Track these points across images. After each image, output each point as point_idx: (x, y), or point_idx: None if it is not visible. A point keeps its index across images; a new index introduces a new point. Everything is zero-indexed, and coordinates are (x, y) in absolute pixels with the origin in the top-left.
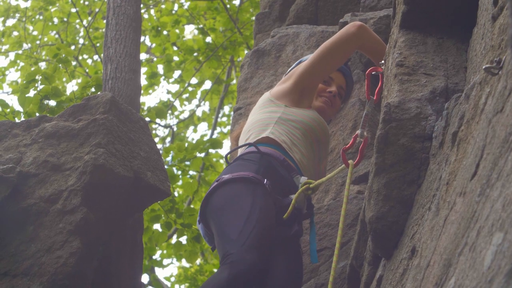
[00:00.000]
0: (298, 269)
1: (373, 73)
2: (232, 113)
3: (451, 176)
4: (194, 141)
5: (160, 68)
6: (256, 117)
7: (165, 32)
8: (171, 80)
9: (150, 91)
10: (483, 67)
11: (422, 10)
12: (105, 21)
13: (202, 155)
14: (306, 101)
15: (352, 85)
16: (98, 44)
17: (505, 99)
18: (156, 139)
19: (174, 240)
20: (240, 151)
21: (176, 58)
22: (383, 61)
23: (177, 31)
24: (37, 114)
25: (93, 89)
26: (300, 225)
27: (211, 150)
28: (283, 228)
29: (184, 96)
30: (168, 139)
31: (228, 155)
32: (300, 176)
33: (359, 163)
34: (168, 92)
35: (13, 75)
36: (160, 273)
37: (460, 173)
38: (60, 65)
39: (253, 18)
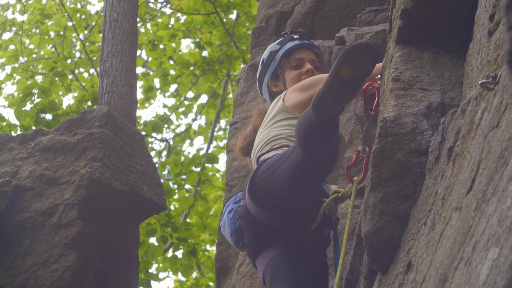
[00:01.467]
0: (324, 280)
1: (369, 88)
2: (228, 127)
3: (447, 191)
4: (190, 155)
5: (157, 82)
6: (274, 132)
7: (161, 46)
8: (167, 94)
9: (146, 104)
10: (479, 82)
11: (418, 25)
12: (101, 34)
13: (198, 169)
14: None
15: (321, 52)
16: (94, 58)
17: (500, 115)
18: (153, 153)
19: (170, 254)
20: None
21: (172, 72)
22: (379, 76)
23: (173, 45)
24: (34, 128)
25: (89, 103)
26: (328, 233)
27: (207, 165)
28: (313, 232)
29: (180, 110)
30: (164, 153)
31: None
32: (329, 184)
33: (364, 179)
34: (164, 106)
35: (10, 88)
36: (156, 286)
37: (456, 188)
38: (57, 78)
39: (250, 32)
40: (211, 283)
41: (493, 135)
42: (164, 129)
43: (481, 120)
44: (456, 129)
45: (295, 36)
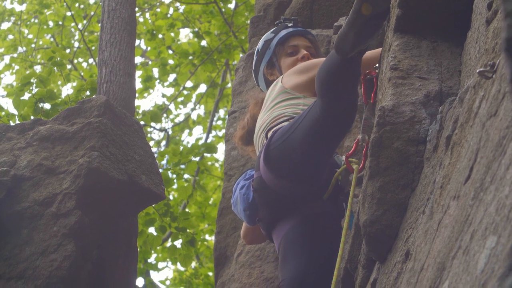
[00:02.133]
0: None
1: (367, 77)
2: (227, 116)
3: (445, 179)
4: (189, 145)
5: (155, 72)
6: (277, 112)
7: (160, 36)
8: (166, 84)
9: (145, 94)
10: (477, 70)
11: (417, 13)
12: (100, 24)
13: (197, 159)
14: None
15: (315, 39)
16: (93, 48)
17: (498, 103)
18: (151, 143)
19: (169, 243)
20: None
21: (171, 62)
22: (377, 65)
23: (172, 34)
24: (32, 117)
25: (88, 93)
26: (342, 204)
27: (206, 154)
28: (327, 204)
29: (179, 99)
30: (163, 142)
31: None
32: (340, 155)
33: (364, 167)
34: (163, 95)
35: (8, 78)
36: (155, 276)
37: (454, 176)
38: (55, 68)
39: (248, 21)
40: (210, 273)
41: (491, 124)
42: (163, 118)
43: (479, 109)
44: (454, 117)
45: (289, 24)
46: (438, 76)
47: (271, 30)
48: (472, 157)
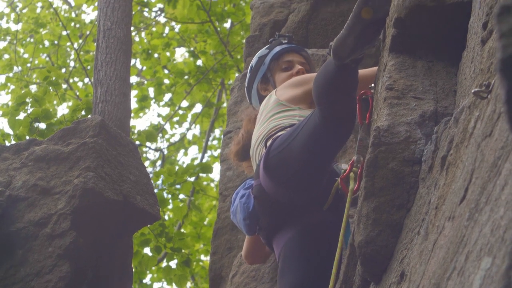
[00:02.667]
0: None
1: (363, 97)
2: (222, 136)
3: (440, 200)
4: (184, 165)
5: (151, 91)
6: (273, 123)
7: (155, 55)
8: (161, 103)
9: (141, 114)
10: (472, 91)
11: (412, 33)
12: (95, 44)
13: (192, 179)
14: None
15: (308, 55)
16: (88, 67)
17: (494, 123)
18: (147, 163)
19: (164, 264)
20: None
21: (166, 81)
22: (372, 85)
23: (167, 54)
24: (27, 137)
25: (83, 112)
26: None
27: (201, 174)
28: (327, 212)
29: (175, 119)
30: (159, 162)
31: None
32: (339, 163)
33: (359, 189)
34: (159, 115)
35: (4, 98)
36: None
37: (449, 197)
38: (51, 87)
39: (244, 41)
40: None
41: (486, 144)
42: (158, 138)
43: (474, 129)
44: (450, 138)
45: (284, 41)
46: (434, 96)
47: (266, 47)
48: (467, 177)
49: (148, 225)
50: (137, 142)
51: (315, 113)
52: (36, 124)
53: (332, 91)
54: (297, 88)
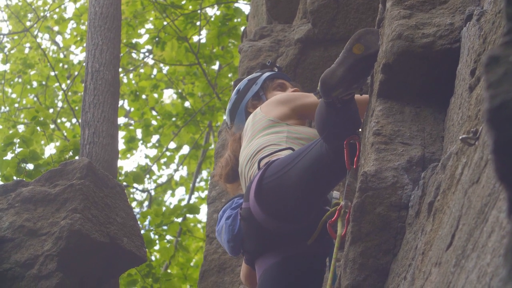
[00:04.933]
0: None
1: (350, 141)
2: (209, 178)
3: (426, 246)
4: (171, 206)
5: (139, 133)
6: (262, 139)
7: (143, 96)
8: (149, 145)
9: (128, 155)
10: (460, 137)
11: (400, 79)
12: (83, 85)
13: (180, 220)
14: (303, 120)
15: (300, 87)
16: (76, 108)
17: (481, 170)
18: (134, 203)
19: None
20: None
21: (154, 123)
22: (360, 130)
23: (155, 95)
24: (15, 178)
25: (71, 153)
26: (328, 241)
27: (188, 215)
28: (313, 244)
29: (162, 160)
30: (146, 203)
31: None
32: (332, 191)
33: (346, 234)
34: (146, 156)
35: None
36: None
37: (436, 243)
38: (38, 128)
39: (232, 83)
40: None
41: (473, 191)
42: (145, 179)
43: (461, 175)
44: (437, 184)
45: (275, 69)
46: (421, 141)
47: (257, 71)
48: (454, 224)
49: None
50: (125, 183)
51: (320, 144)
52: (24, 165)
53: (327, 127)
54: (284, 105)
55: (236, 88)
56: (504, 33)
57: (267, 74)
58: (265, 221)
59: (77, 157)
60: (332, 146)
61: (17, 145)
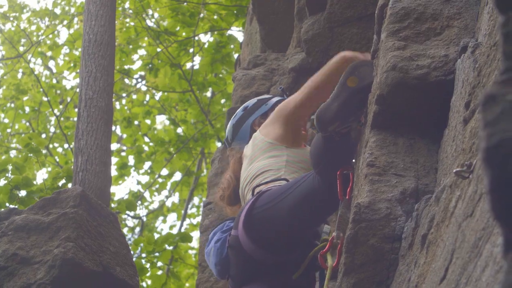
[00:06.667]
0: None
1: (344, 172)
2: (201, 205)
3: (420, 278)
4: (163, 232)
5: (131, 159)
6: (262, 163)
7: (136, 123)
8: (141, 171)
9: (120, 181)
10: (454, 170)
11: (394, 110)
12: (76, 110)
13: (171, 248)
14: (300, 140)
15: None
16: (69, 133)
17: (475, 204)
18: (126, 229)
19: None
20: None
21: (146, 149)
22: (353, 160)
23: (148, 121)
24: (7, 204)
25: (63, 180)
26: (314, 274)
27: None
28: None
29: (154, 187)
30: (137, 229)
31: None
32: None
33: (338, 264)
34: (138, 182)
35: None
36: None
37: (429, 276)
38: (31, 154)
39: (225, 109)
40: None
41: (467, 224)
42: (137, 205)
43: (455, 209)
44: (430, 216)
45: (285, 96)
46: (415, 173)
47: (268, 94)
48: (447, 257)
49: None
50: (117, 211)
51: (313, 176)
52: (16, 192)
53: (323, 161)
54: (277, 122)
55: (243, 105)
56: (502, 72)
57: (278, 98)
58: (252, 251)
59: (70, 185)
60: (325, 180)
61: (10, 172)
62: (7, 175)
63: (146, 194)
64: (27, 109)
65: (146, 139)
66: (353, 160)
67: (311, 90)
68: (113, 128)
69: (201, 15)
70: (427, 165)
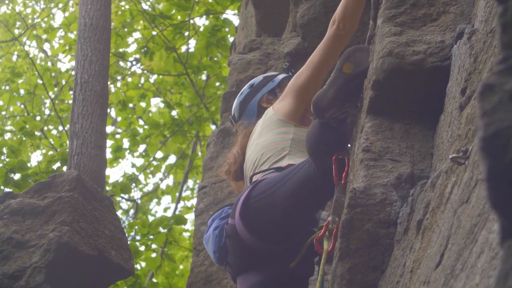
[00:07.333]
0: None
1: (339, 157)
2: (196, 187)
3: (415, 264)
4: (158, 214)
5: (126, 142)
6: (268, 138)
7: (131, 105)
8: (136, 154)
9: (115, 164)
10: (450, 156)
11: (390, 96)
12: (71, 93)
13: (166, 230)
14: (309, 119)
15: None
16: (63, 116)
17: (470, 190)
18: (120, 212)
19: None
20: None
21: (141, 131)
22: (349, 145)
23: (143, 105)
24: (2, 187)
25: (58, 164)
26: (312, 262)
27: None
28: (297, 265)
29: (149, 170)
30: (132, 211)
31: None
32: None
33: (334, 249)
34: (133, 165)
35: None
36: None
37: (425, 261)
38: (25, 138)
39: (220, 92)
40: None
41: (462, 211)
42: (132, 188)
43: (451, 195)
44: (426, 202)
45: (290, 73)
46: (410, 158)
47: (274, 72)
48: (443, 243)
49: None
50: (111, 194)
51: (309, 163)
52: (11, 175)
53: (320, 147)
54: (285, 100)
55: (249, 83)
56: (499, 61)
57: (284, 74)
58: (249, 240)
59: (65, 168)
60: (321, 166)
61: (5, 155)
62: (2, 158)
63: (141, 177)
64: (22, 91)
65: (141, 122)
66: (349, 145)
67: (319, 62)
68: (108, 111)
69: None
70: (422, 150)
